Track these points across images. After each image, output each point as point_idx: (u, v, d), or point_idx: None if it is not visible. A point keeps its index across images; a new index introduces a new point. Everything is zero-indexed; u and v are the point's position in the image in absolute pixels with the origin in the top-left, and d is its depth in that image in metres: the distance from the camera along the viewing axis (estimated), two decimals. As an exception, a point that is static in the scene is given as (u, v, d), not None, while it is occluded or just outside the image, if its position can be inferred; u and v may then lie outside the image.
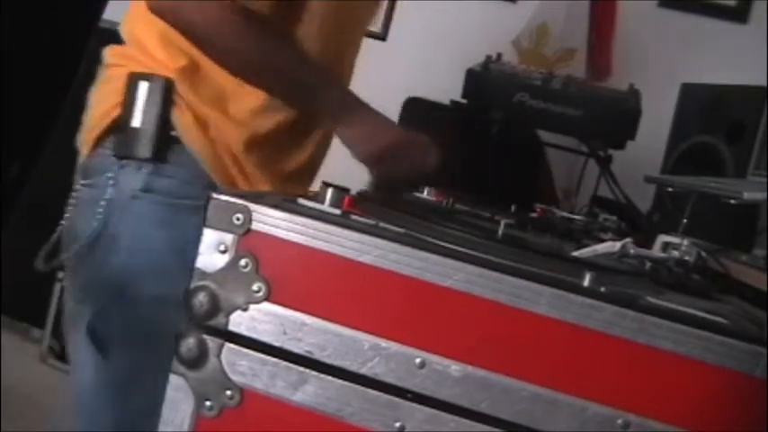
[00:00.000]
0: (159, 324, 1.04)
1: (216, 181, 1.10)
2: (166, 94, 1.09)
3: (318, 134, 1.22)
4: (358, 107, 1.14)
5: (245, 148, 1.12)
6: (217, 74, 1.10)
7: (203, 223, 0.70)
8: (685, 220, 1.24)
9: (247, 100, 1.12)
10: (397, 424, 0.67)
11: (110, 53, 1.16)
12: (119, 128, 1.09)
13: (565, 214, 1.22)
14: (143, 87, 1.08)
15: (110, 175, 1.09)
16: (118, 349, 1.10)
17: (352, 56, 1.29)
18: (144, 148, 1.08)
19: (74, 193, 1.14)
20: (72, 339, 1.15)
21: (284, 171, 1.18)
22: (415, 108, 1.82)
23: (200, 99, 1.11)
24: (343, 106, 1.13)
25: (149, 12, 1.04)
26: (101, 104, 1.13)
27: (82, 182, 1.12)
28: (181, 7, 1.02)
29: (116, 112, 1.10)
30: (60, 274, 2.62)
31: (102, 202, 1.08)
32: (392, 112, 1.09)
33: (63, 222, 1.15)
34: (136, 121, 1.08)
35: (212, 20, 1.02)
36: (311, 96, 1.11)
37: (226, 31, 1.04)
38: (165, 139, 1.09)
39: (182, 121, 1.09)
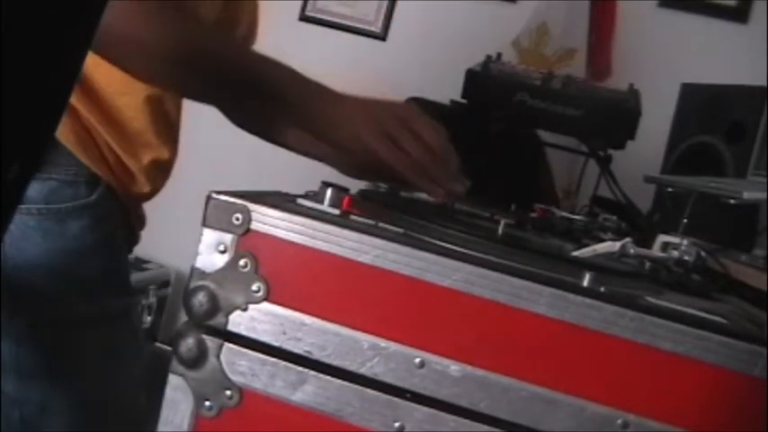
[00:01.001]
0: (57, 349, 0.98)
1: (97, 171, 0.98)
2: None
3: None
4: (324, 88, 0.98)
5: (113, 133, 0.99)
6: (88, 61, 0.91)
7: (204, 223, 0.70)
8: (685, 220, 1.24)
9: (108, 83, 0.98)
10: (397, 424, 0.67)
11: None
12: None
13: (565, 214, 1.22)
14: None
15: None
16: (16, 382, 0.99)
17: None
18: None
19: None
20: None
21: (150, 163, 1.05)
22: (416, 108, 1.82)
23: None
24: (306, 87, 0.96)
25: None
26: None
27: None
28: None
29: None
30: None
31: None
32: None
33: None
34: None
35: (126, 17, 0.86)
36: (261, 81, 0.95)
37: (142, 26, 0.88)
38: None
39: None
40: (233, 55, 0.96)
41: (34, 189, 0.93)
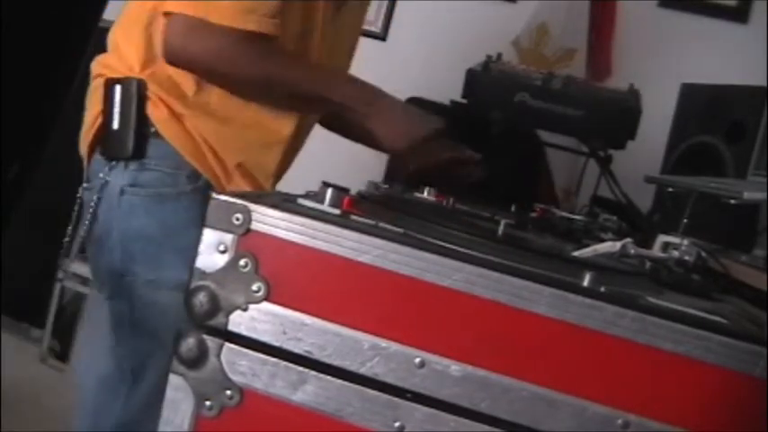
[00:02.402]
0: (156, 306, 1.18)
1: (198, 168, 1.18)
2: (140, 94, 1.16)
3: (290, 136, 1.28)
4: (380, 97, 1.22)
5: (218, 139, 1.20)
6: (179, 72, 1.16)
7: (203, 223, 0.70)
8: (685, 220, 1.24)
9: (217, 96, 1.19)
10: (397, 424, 0.67)
11: (95, 63, 1.25)
12: (104, 132, 1.18)
13: (565, 214, 1.22)
14: (117, 91, 1.16)
15: (101, 176, 1.18)
16: (126, 334, 1.20)
17: (346, 64, 1.39)
18: (124, 148, 1.16)
19: (78, 196, 1.25)
20: (88, 332, 1.32)
21: (257, 165, 1.25)
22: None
23: (173, 97, 1.17)
24: (364, 98, 1.21)
25: (140, 32, 1.15)
26: (89, 113, 1.22)
27: (84, 185, 1.23)
28: (188, 49, 1.11)
29: (100, 119, 1.19)
30: (60, 275, 2.63)
31: (95, 199, 1.18)
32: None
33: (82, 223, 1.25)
34: (115, 124, 1.16)
35: (219, 52, 1.11)
36: (327, 98, 1.19)
37: (235, 61, 1.12)
38: (145, 136, 1.17)
39: (157, 116, 1.17)
40: (333, 88, 1.21)
41: (144, 176, 1.17)
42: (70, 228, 1.26)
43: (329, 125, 1.43)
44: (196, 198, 1.18)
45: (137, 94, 1.16)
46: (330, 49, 1.28)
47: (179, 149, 1.17)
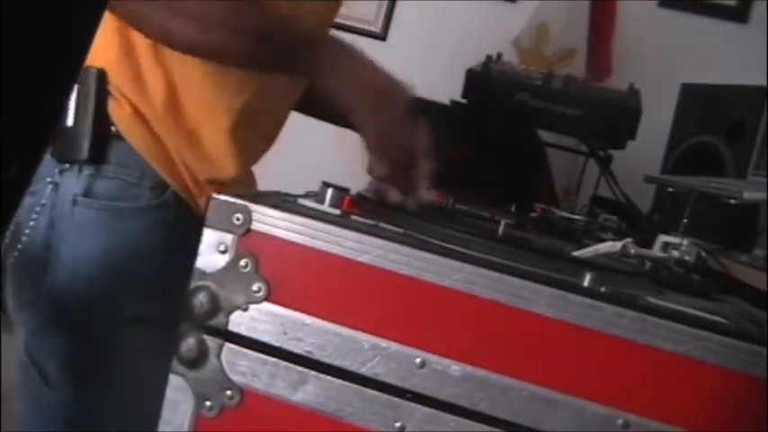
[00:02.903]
0: (105, 345, 1.00)
1: (165, 178, 1.01)
2: (100, 87, 0.98)
3: (258, 145, 1.13)
4: (338, 52, 1.01)
5: (187, 145, 1.02)
6: (149, 68, 1.00)
7: (204, 223, 0.70)
8: (685, 220, 1.24)
9: (190, 99, 1.02)
10: (397, 424, 0.67)
11: None
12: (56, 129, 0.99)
13: (565, 214, 1.22)
14: None
15: (49, 180, 1.00)
16: (62, 375, 1.00)
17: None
18: (80, 149, 0.98)
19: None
20: (17, 363, 1.05)
21: (224, 173, 1.06)
22: (415, 108, 1.82)
23: (138, 92, 1.00)
24: (319, 53, 0.99)
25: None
26: None
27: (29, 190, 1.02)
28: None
29: None
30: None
31: (38, 208, 0.99)
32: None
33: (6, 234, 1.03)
34: (69, 120, 0.98)
35: None
36: (290, 54, 0.98)
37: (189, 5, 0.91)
38: (105, 137, 0.99)
39: (120, 115, 1.00)
40: (280, 23, 0.98)
41: (100, 185, 0.99)
42: (5, 241, 1.01)
43: (300, 108, 1.21)
44: (161, 215, 1.01)
45: (95, 86, 0.98)
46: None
47: (143, 154, 0.99)
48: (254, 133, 1.09)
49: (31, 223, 0.99)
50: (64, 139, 0.99)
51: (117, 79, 1.00)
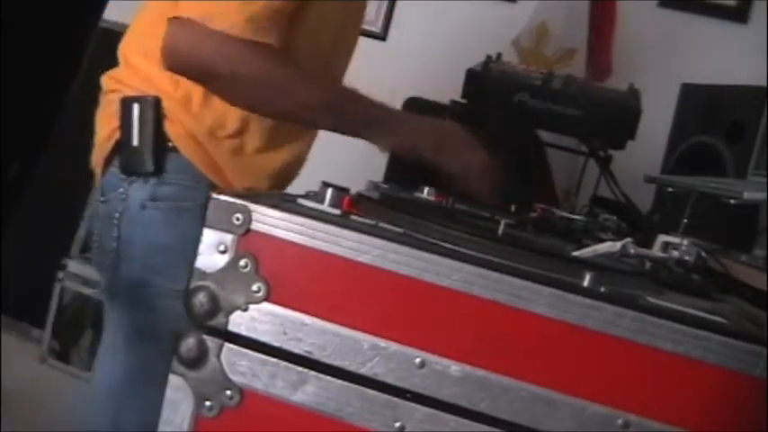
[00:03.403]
0: (175, 318, 1.15)
1: (214, 181, 1.21)
2: (157, 111, 1.19)
3: (299, 139, 1.30)
4: (400, 119, 1.25)
5: (230, 155, 1.22)
6: (198, 101, 1.19)
7: (203, 223, 0.70)
8: (685, 220, 1.24)
9: (229, 125, 1.22)
10: (397, 424, 0.67)
11: (106, 79, 1.26)
12: (121, 149, 1.20)
13: (565, 214, 1.22)
14: (135, 109, 1.19)
15: (121, 190, 1.20)
16: (150, 340, 1.21)
17: (345, 64, 1.37)
18: (145, 164, 1.19)
19: (95, 209, 1.27)
20: (107, 339, 1.28)
21: (268, 171, 1.27)
22: (415, 108, 1.82)
23: (188, 117, 1.20)
24: (389, 120, 1.22)
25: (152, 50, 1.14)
26: (103, 128, 1.24)
27: (101, 199, 1.24)
28: (191, 53, 1.11)
29: (116, 135, 1.21)
30: (60, 275, 2.63)
31: (117, 214, 1.20)
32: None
33: (93, 234, 1.30)
34: (134, 141, 1.19)
35: (220, 55, 1.11)
36: (349, 119, 1.20)
37: (235, 63, 1.11)
38: (163, 151, 1.19)
39: (175, 133, 1.20)
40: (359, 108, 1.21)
41: (163, 190, 1.19)
42: (84, 226, 1.28)
43: None
44: None
45: (153, 111, 1.19)
46: (334, 47, 1.29)
47: (196, 163, 1.20)
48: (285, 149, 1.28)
49: (114, 227, 1.20)
50: (130, 157, 1.20)
51: (170, 105, 1.19)
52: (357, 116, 1.20)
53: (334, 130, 1.23)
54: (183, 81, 1.18)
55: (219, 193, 0.71)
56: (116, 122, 1.21)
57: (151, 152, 1.18)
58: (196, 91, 1.19)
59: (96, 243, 1.28)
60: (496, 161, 1.28)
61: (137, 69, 1.22)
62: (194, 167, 1.20)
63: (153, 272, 1.20)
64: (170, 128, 1.19)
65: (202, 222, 0.71)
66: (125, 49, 1.25)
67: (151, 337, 1.21)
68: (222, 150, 1.22)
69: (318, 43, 1.23)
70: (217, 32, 1.09)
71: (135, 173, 1.20)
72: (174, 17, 1.10)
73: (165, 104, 1.19)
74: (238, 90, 1.15)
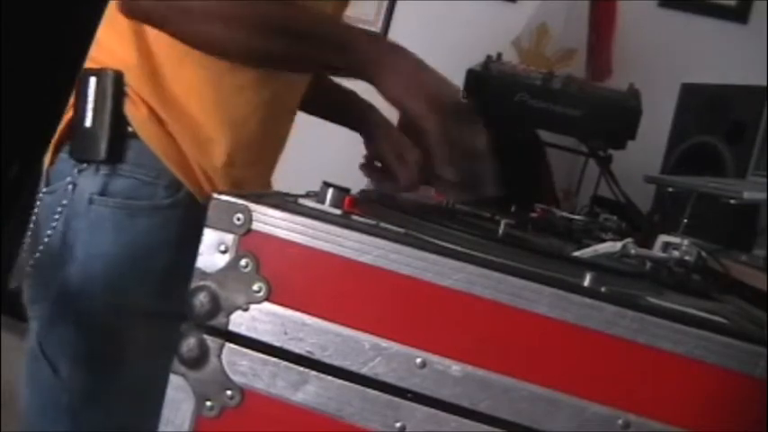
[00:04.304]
0: (114, 337, 1.03)
1: (180, 178, 1.03)
2: (117, 88, 1.01)
3: (275, 137, 1.15)
4: (395, 49, 1.03)
5: (199, 147, 1.04)
6: (168, 71, 1.02)
7: (205, 223, 0.70)
8: (685, 220, 1.24)
9: (201, 105, 1.04)
10: (398, 424, 0.67)
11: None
12: (72, 129, 1.03)
13: (565, 214, 1.22)
14: (91, 84, 1.01)
15: (69, 179, 1.02)
16: (70, 365, 1.04)
17: None
18: (97, 149, 1.01)
19: (36, 202, 1.07)
20: (27, 353, 1.11)
21: (240, 169, 1.09)
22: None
23: (155, 95, 1.02)
24: (378, 52, 1.00)
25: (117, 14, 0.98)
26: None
27: (44, 189, 1.06)
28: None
29: (70, 114, 1.04)
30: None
31: (59, 208, 1.02)
32: (392, 112, 1.09)
33: (27, 233, 1.08)
34: (88, 121, 1.01)
35: None
36: (339, 49, 0.97)
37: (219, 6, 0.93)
38: (121, 137, 1.01)
39: (136, 116, 1.02)
40: (304, 13, 1.00)
41: (115, 184, 1.01)
42: (26, 239, 1.06)
43: (306, 107, 1.23)
44: (174, 214, 1.03)
45: (112, 88, 1.01)
46: None
47: (159, 154, 1.02)
48: (265, 134, 1.10)
49: (52, 223, 1.03)
50: (82, 139, 1.02)
51: (134, 81, 1.02)
52: (320, 36, 0.97)
53: (298, 61, 1.01)
54: (152, 51, 1.02)
55: (220, 192, 0.71)
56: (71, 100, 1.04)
57: (107, 135, 1.00)
58: (168, 62, 1.02)
59: (29, 243, 1.08)
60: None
61: (100, 42, 1.06)
62: (156, 159, 1.02)
63: (91, 280, 1.02)
64: (131, 109, 1.01)
65: (182, 231, 0.67)
66: (99, 30, 1.08)
67: (74, 361, 1.03)
68: (192, 135, 1.04)
69: None
70: None
71: (86, 159, 1.01)
72: None
73: (129, 80, 1.01)
74: (188, 22, 0.95)
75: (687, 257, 0.82)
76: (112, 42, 1.04)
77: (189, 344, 0.69)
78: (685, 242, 0.83)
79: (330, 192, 0.75)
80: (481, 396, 0.65)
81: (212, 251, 0.69)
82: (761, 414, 0.62)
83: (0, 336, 2.55)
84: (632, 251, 0.81)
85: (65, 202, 1.02)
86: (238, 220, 0.69)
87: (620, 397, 0.64)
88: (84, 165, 1.02)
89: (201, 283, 0.69)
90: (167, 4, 0.94)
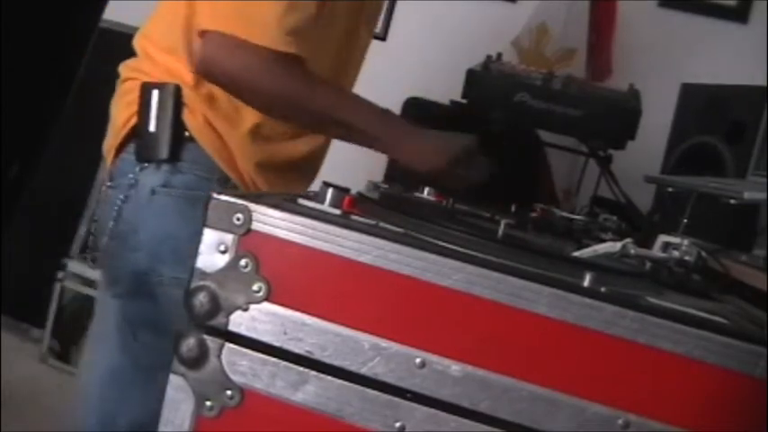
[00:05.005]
0: (176, 307, 1.14)
1: (228, 174, 1.20)
2: (177, 99, 1.18)
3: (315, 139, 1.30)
4: (407, 132, 1.26)
5: (251, 146, 1.22)
6: (223, 97, 1.19)
7: (205, 223, 0.70)
8: (685, 220, 1.24)
9: (249, 119, 1.22)
10: (398, 424, 0.67)
11: (124, 68, 1.26)
12: (137, 134, 1.20)
13: (565, 214, 1.22)
14: (155, 95, 1.18)
15: (131, 176, 1.19)
16: (147, 331, 1.20)
17: (355, 71, 1.38)
18: (161, 150, 1.18)
19: (100, 195, 1.24)
20: (98, 331, 1.27)
21: (288, 162, 1.27)
22: (415, 108, 1.83)
23: (210, 110, 1.20)
24: (393, 133, 1.23)
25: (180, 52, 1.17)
26: (120, 114, 1.23)
27: (108, 184, 1.23)
28: (224, 66, 1.13)
29: (134, 120, 1.20)
30: (60, 274, 2.63)
31: (121, 198, 1.18)
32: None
33: (94, 219, 1.29)
34: (152, 126, 1.18)
35: (252, 70, 1.13)
36: (359, 133, 1.21)
37: (266, 79, 1.14)
38: (180, 140, 1.19)
39: (193, 123, 1.19)
40: (340, 106, 1.22)
41: (177, 179, 1.19)
42: (85, 225, 1.26)
43: None
44: None
45: (174, 99, 1.18)
46: (346, 62, 1.31)
47: (212, 154, 1.20)
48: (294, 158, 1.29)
49: (113, 213, 1.19)
50: (146, 143, 1.19)
51: (192, 95, 1.19)
52: (364, 129, 1.21)
53: (346, 140, 1.26)
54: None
55: (220, 193, 0.71)
56: (134, 108, 1.20)
57: (168, 139, 1.18)
58: (223, 94, 1.19)
59: (95, 228, 1.27)
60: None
61: (156, 61, 1.22)
62: (210, 159, 1.20)
63: (158, 260, 1.18)
64: (189, 117, 1.19)
65: (203, 223, 0.71)
66: (142, 43, 1.25)
67: (151, 328, 1.20)
68: (241, 134, 1.21)
69: (330, 42, 1.25)
70: (250, 46, 1.10)
71: (149, 159, 1.18)
72: (209, 30, 1.12)
73: (186, 94, 1.19)
74: (261, 103, 1.18)
75: (687, 257, 0.82)
76: (170, 63, 1.20)
77: (189, 344, 0.70)
78: (685, 242, 0.83)
79: (330, 192, 0.75)
80: (481, 396, 0.65)
81: (212, 251, 0.69)
82: (761, 414, 0.62)
83: (0, 336, 2.55)
84: (632, 251, 0.81)
85: (126, 195, 1.18)
86: (238, 220, 0.69)
87: (620, 397, 0.64)
88: (146, 164, 1.19)
89: (201, 283, 0.69)
90: (240, 80, 1.14)
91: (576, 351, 0.64)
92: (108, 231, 1.20)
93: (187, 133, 1.19)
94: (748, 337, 0.63)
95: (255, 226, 0.69)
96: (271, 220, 0.68)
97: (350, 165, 1.17)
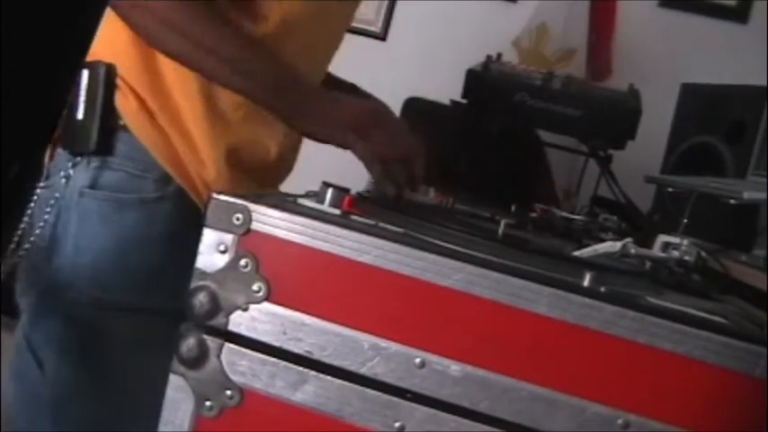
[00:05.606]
0: (98, 333, 1.02)
1: (170, 171, 1.02)
2: (108, 80, 1.01)
3: (283, 133, 1.12)
4: (311, 97, 1.04)
5: (212, 123, 1.03)
6: (160, 60, 1.02)
7: (204, 223, 0.70)
8: (685, 220, 1.24)
9: (193, 91, 1.03)
10: (397, 424, 0.67)
11: None
12: (65, 123, 1.02)
13: (565, 214, 1.22)
14: (84, 76, 1.01)
15: (63, 173, 1.02)
16: (54, 360, 1.03)
17: (324, 57, 1.21)
18: (88, 142, 1.01)
19: (33, 197, 1.05)
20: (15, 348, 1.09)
21: (259, 162, 1.09)
22: (415, 108, 1.82)
23: (145, 83, 1.02)
24: (290, 104, 1.02)
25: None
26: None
27: (41, 183, 1.05)
28: (130, 17, 0.97)
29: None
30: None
31: (52, 201, 1.02)
32: (392, 112, 1.09)
33: (21, 226, 1.05)
34: (79, 113, 1.01)
35: (153, 17, 0.96)
36: (273, 93, 1.01)
37: (179, 16, 0.96)
38: (111, 130, 1.01)
39: (126, 108, 1.02)
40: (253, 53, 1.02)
41: (105, 177, 1.01)
42: (19, 233, 1.02)
43: None
44: (162, 208, 1.02)
45: (104, 80, 1.00)
46: (310, 45, 1.12)
47: (148, 147, 1.01)
48: (256, 134, 1.09)
49: (45, 216, 1.02)
50: (73, 132, 1.01)
51: (125, 70, 1.02)
52: (268, 81, 1.00)
53: (244, 93, 1.03)
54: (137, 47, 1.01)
55: (219, 192, 0.71)
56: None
57: (97, 127, 1.00)
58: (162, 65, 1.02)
59: (22, 233, 1.04)
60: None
61: (105, 35, 0.99)
62: (145, 152, 1.01)
63: (77, 274, 1.01)
64: (121, 101, 1.01)
65: (172, 226, 0.66)
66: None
67: (59, 352, 1.02)
68: (198, 113, 1.02)
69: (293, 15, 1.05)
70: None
71: (78, 152, 1.01)
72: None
73: (121, 68, 1.02)
74: (162, 41, 0.97)
75: (687, 257, 0.82)
76: (106, 29, 0.98)
77: (188, 344, 0.69)
78: (685, 242, 0.83)
79: (329, 192, 0.75)
80: (481, 396, 0.65)
81: (212, 251, 0.69)
82: (761, 414, 0.62)
83: (0, 336, 2.55)
84: (632, 251, 0.81)
85: (57, 195, 1.02)
86: (238, 220, 0.69)
87: (620, 397, 0.64)
88: (78, 158, 1.02)
89: (201, 283, 0.69)
90: (151, 27, 0.97)
91: (575, 351, 0.64)
92: (33, 236, 1.03)
93: (120, 121, 1.01)
94: (748, 337, 0.63)
95: (255, 226, 0.69)
96: (270, 220, 0.68)
97: (350, 165, 1.17)
